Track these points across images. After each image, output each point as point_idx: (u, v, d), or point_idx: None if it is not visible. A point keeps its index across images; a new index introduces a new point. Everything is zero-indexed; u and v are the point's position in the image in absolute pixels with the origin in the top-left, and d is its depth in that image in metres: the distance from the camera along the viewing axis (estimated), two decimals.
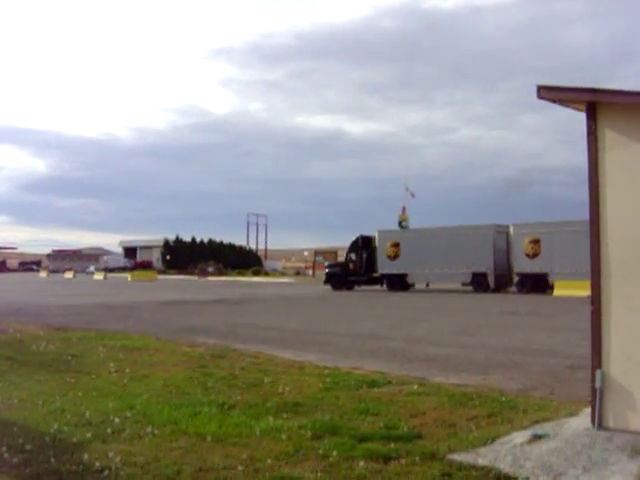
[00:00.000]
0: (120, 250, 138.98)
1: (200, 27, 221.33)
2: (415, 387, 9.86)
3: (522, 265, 41.19)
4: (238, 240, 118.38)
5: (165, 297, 37.56)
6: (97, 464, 6.04)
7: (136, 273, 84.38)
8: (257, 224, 47.18)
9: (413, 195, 59.74)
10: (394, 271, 46.47)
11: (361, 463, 6.10)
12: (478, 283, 42.44)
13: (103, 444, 6.80)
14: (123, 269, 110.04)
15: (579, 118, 7.05)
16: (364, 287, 48.40)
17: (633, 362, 6.62)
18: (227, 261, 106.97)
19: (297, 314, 26.76)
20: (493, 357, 13.60)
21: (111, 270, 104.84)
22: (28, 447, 6.57)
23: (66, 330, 18.21)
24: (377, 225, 48.49)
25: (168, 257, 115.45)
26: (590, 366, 6.97)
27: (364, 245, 48.95)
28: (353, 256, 48.73)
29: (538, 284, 40.26)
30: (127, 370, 11.40)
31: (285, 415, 8.01)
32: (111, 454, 6.32)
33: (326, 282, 49.68)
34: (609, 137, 6.85)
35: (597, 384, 6.79)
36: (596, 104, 6.93)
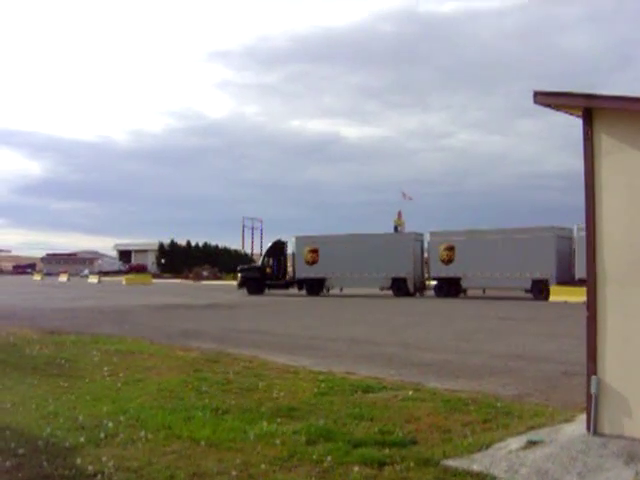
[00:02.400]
0: (115, 253, 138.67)
1: (197, 30, 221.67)
2: (410, 392, 9.84)
3: (438, 270, 43.84)
4: (233, 244, 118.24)
5: (160, 301, 37.48)
6: (90, 468, 6.01)
7: (131, 277, 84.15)
8: (252, 228, 47.40)
9: (410, 198, 59.92)
10: (312, 275, 47.34)
11: (355, 468, 6.08)
12: (398, 288, 44.44)
13: (96, 448, 6.77)
14: (118, 273, 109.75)
15: (577, 123, 7.06)
16: (274, 290, 48.77)
17: (629, 368, 6.61)
18: (222, 265, 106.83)
19: (291, 319, 26.69)
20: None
21: (106, 274, 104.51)
22: (21, 451, 6.54)
23: (60, 334, 18.16)
24: (374, 230, 48.27)
25: (163, 261, 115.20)
26: (585, 372, 6.96)
27: (282, 250, 50.05)
28: (270, 260, 49.37)
29: (453, 288, 42.98)
30: (121, 374, 11.35)
31: (279, 420, 7.97)
32: (104, 458, 6.30)
33: (241, 286, 49.31)
34: (605, 142, 6.85)
35: (592, 390, 6.77)
36: (592, 110, 6.94)
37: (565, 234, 40.63)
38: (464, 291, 43.64)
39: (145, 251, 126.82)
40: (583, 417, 7.12)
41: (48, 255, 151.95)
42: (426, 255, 46.42)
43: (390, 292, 44.94)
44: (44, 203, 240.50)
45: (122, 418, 7.97)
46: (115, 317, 25.75)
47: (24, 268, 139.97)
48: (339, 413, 8.43)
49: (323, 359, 14.02)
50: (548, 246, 39.38)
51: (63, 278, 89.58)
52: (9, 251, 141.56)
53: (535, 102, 7.15)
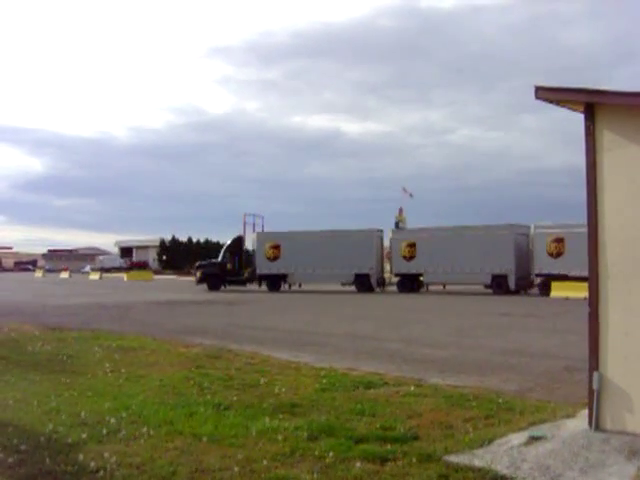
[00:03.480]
0: (116, 250, 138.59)
1: (197, 26, 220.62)
2: (412, 388, 9.85)
3: (400, 266, 45.29)
4: None
5: (161, 297, 37.49)
6: (92, 465, 6.02)
7: (132, 273, 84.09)
8: (254, 224, 47.21)
9: (411, 195, 59.73)
10: (274, 272, 47.38)
11: (357, 464, 6.09)
12: (361, 283, 45.17)
13: (98, 444, 6.78)
14: (119, 269, 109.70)
15: (580, 118, 7.04)
16: (237, 286, 48.48)
17: (630, 364, 6.62)
18: None
19: (292, 314, 26.70)
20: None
21: (107, 270, 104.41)
22: (23, 447, 6.55)
23: (62, 330, 18.16)
24: (375, 226, 48.00)
25: (164, 257, 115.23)
26: (587, 368, 6.96)
27: (242, 245, 49.77)
28: (230, 256, 49.02)
29: (415, 284, 45.10)
30: (123, 370, 11.36)
31: (281, 416, 7.98)
32: (106, 455, 6.30)
33: (200, 282, 48.88)
34: (607, 138, 6.85)
35: (594, 386, 6.78)
36: (594, 105, 6.93)
37: (523, 232, 42.94)
38: (426, 286, 45.44)
39: (146, 247, 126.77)
40: (585, 413, 7.13)
41: (49, 252, 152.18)
42: (387, 251, 47.92)
43: (352, 288, 45.81)
44: (45, 200, 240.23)
45: (124, 414, 7.98)
46: (117, 313, 25.76)
47: (26, 265, 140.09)
48: (341, 409, 8.44)
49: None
50: (507, 243, 41.52)
51: (64, 275, 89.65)
52: (10, 248, 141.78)
53: (536, 97, 7.14)
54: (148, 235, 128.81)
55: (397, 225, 51.48)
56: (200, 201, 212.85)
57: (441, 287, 46.19)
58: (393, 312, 28.02)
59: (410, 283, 44.91)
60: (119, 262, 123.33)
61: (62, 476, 5.81)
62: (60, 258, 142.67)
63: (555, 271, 40.19)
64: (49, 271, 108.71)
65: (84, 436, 7.00)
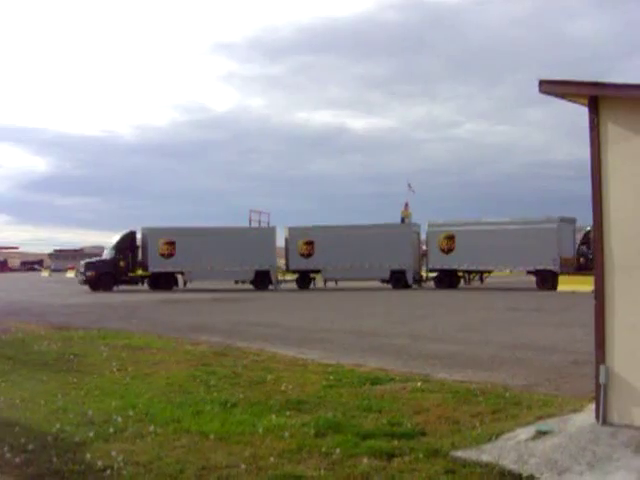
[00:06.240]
0: None
1: (200, 22, 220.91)
2: (419, 384, 9.83)
3: (297, 263, 46.37)
4: None
5: (166, 295, 37.54)
6: (99, 463, 6.03)
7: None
8: (259, 221, 46.86)
9: (414, 192, 59.64)
10: (169, 269, 45.38)
11: (365, 460, 6.09)
12: (261, 281, 45.27)
13: (105, 443, 6.79)
14: None
15: (585, 111, 7.00)
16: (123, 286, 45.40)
17: (637, 357, 6.59)
18: None
19: (298, 311, 26.70)
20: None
21: None
22: (30, 447, 6.56)
23: (68, 329, 18.21)
24: (380, 222, 47.77)
25: None
26: (594, 362, 6.94)
27: (134, 242, 46.73)
28: (123, 253, 45.75)
29: (309, 280, 46.91)
30: (129, 369, 11.38)
31: (288, 413, 7.99)
32: (113, 453, 6.31)
33: (86, 282, 44.71)
34: (612, 131, 6.81)
35: (601, 380, 6.75)
36: (599, 98, 6.89)
37: (416, 230, 46.30)
38: (324, 282, 46.86)
39: None
40: (592, 407, 7.11)
41: (55, 251, 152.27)
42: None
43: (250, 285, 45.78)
44: (50, 199, 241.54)
45: (131, 413, 7.99)
46: (123, 312, 25.81)
47: (32, 264, 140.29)
48: (348, 405, 8.43)
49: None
50: (405, 241, 44.14)
51: (71, 274, 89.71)
52: (16, 248, 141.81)
53: (540, 91, 7.10)
54: None
55: (403, 220, 51.37)
56: (205, 198, 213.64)
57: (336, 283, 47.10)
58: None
59: (308, 280, 46.71)
60: None
61: (69, 475, 5.82)
62: (66, 257, 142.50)
63: (446, 266, 42.89)
64: (55, 271, 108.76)
65: (91, 435, 7.01)
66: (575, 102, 7.32)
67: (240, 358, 12.69)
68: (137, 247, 46.69)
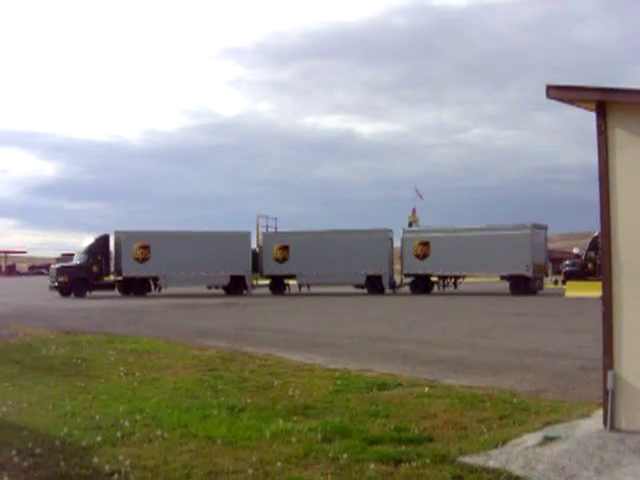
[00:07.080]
0: None
1: (208, 27, 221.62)
2: (426, 389, 9.82)
3: (271, 268, 46.35)
4: None
5: (174, 300, 37.59)
6: (107, 468, 6.04)
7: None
8: (267, 226, 46.80)
9: (421, 197, 59.60)
10: (144, 274, 44.49)
11: (372, 466, 6.08)
12: (236, 286, 45.69)
13: (113, 448, 6.80)
14: None
15: (592, 115, 7.00)
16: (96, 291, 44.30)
17: None
18: None
19: (304, 316, 26.68)
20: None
21: None
22: (38, 451, 6.58)
23: (76, 334, 18.26)
24: (384, 226, 47.70)
25: None
26: (602, 367, 6.92)
27: (107, 246, 45.82)
28: (95, 258, 44.72)
29: (283, 285, 46.99)
30: (137, 373, 11.41)
31: (295, 418, 7.98)
32: (121, 457, 6.32)
33: (58, 288, 43.61)
34: (619, 136, 6.80)
35: (609, 385, 6.74)
36: (606, 103, 6.88)
37: (390, 236, 45.86)
38: (298, 287, 46.62)
39: None
40: (600, 412, 7.09)
41: (63, 255, 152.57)
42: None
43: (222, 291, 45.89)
44: (58, 204, 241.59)
45: (138, 417, 8.00)
46: (130, 316, 25.85)
47: (39, 269, 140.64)
48: (355, 410, 8.42)
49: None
50: (381, 247, 44.41)
51: None
52: (24, 252, 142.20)
53: (548, 96, 7.10)
54: None
55: (410, 225, 51.36)
56: (212, 203, 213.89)
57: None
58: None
59: (282, 285, 46.76)
60: None
61: (77, 479, 5.83)
62: None
63: (421, 271, 43.45)
64: None
65: (98, 439, 7.03)
66: (582, 107, 7.32)
67: (247, 363, 12.69)
68: (110, 251, 45.59)
